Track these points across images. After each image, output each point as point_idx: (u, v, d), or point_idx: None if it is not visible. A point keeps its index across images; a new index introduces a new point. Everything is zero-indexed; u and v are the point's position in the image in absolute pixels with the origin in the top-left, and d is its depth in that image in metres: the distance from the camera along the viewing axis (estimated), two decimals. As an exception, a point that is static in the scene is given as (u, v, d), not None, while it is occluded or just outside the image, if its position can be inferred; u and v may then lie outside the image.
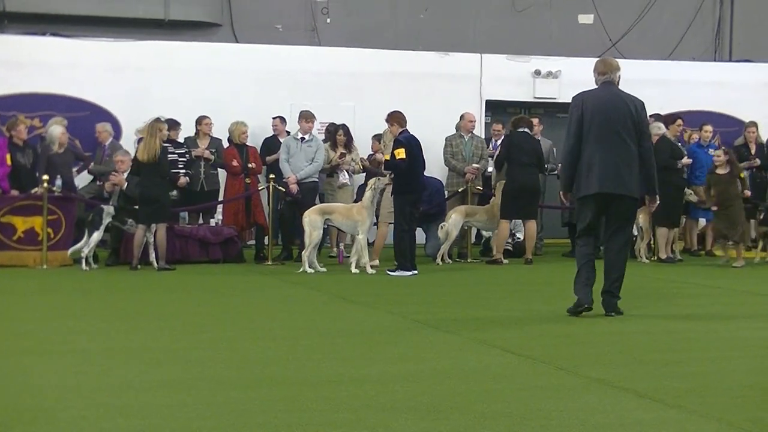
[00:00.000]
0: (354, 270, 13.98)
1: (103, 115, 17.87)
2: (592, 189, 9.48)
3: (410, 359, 7.54)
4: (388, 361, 7.42)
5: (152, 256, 14.50)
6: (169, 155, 15.62)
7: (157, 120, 15.04)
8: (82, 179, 16.44)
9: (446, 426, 5.50)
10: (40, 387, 6.46)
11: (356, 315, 10.20)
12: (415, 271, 13.82)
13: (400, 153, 13.86)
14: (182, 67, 18.61)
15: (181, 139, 16.56)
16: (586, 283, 9.46)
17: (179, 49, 18.98)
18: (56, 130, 15.72)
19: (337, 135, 16.48)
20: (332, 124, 16.94)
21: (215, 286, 12.75)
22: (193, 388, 6.38)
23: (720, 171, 15.58)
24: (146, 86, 18.25)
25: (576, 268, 9.57)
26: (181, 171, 16.03)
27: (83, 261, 14.37)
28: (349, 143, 16.46)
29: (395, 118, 14.30)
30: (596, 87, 9.77)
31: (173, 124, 16.40)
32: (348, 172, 16.28)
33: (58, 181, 15.08)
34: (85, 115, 17.78)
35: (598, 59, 10.10)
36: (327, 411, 5.81)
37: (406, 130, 14.20)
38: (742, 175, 16.03)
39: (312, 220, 14.14)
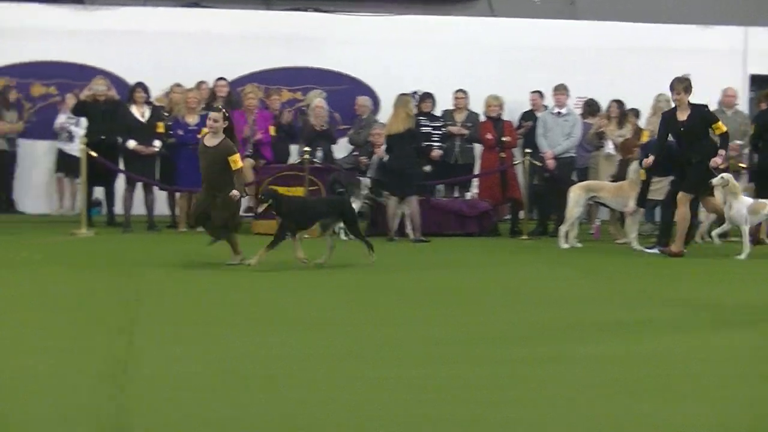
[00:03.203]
0: (637, 247, 13.57)
1: (361, 88, 18.22)
2: None
3: (645, 339, 7.36)
4: (617, 341, 7.27)
5: (408, 228, 14.70)
6: (423, 128, 15.82)
7: (406, 93, 15.26)
8: (340, 150, 16.79)
9: (681, 409, 5.37)
10: (279, 356, 6.63)
11: (597, 293, 10.05)
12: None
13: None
14: (439, 41, 18.72)
15: (437, 113, 16.71)
16: None
17: (437, 24, 19.09)
18: (315, 102, 16.16)
19: (610, 108, 16.15)
20: (591, 99, 16.70)
21: (466, 260, 12.78)
22: (427, 364, 6.45)
23: None
24: (403, 60, 18.44)
25: None
26: (436, 144, 16.20)
27: (342, 231, 14.63)
28: (622, 118, 16.11)
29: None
30: None
31: (427, 97, 16.60)
32: (615, 144, 15.94)
33: (319, 153, 15.48)
34: (344, 89, 18.16)
35: None
36: (549, 387, 5.79)
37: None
38: None
39: (576, 196, 13.96)
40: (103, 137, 15.50)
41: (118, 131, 15.68)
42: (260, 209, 11.28)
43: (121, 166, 15.79)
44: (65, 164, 17.22)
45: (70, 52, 17.77)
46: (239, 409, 5.32)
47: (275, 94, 17.04)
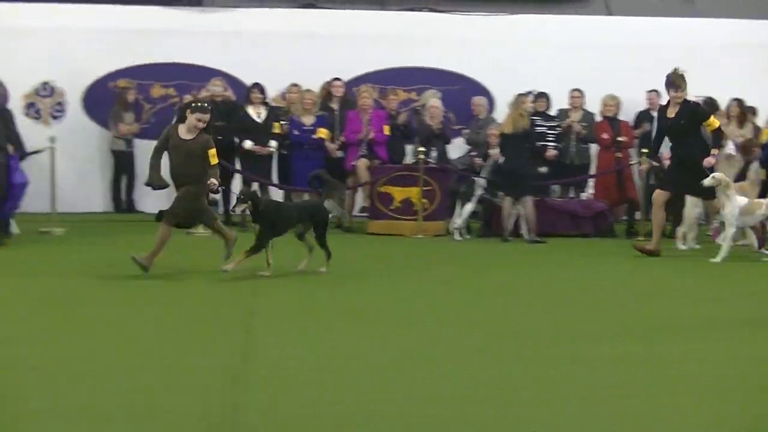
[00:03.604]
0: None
1: (475, 88, 18.13)
2: None
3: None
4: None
5: (523, 229, 14.65)
6: (538, 128, 15.73)
7: (521, 93, 15.19)
8: (455, 150, 16.78)
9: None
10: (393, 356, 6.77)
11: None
12: None
13: None
14: (555, 40, 18.54)
15: (553, 112, 16.61)
16: None
17: (552, 23, 18.93)
18: (430, 102, 16.18)
19: (730, 107, 15.85)
20: (710, 98, 16.39)
21: (581, 262, 12.70)
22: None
23: None
24: (518, 60, 18.30)
25: None
26: (551, 144, 16.10)
27: (456, 232, 14.74)
28: (742, 118, 15.81)
29: None
30: None
31: (541, 97, 16.53)
32: (736, 144, 15.64)
33: (434, 153, 15.51)
34: (458, 89, 18.10)
35: None
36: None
37: None
38: None
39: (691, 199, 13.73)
40: (219, 137, 15.70)
41: (234, 132, 15.89)
42: (238, 209, 10.74)
43: (238, 166, 16.00)
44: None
45: (188, 54, 18.04)
46: (345, 405, 5.47)
47: (392, 94, 17.09)
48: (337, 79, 16.46)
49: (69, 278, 10.39)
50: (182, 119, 10.94)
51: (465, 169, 15.93)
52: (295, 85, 16.46)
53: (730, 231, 12.45)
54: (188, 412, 5.31)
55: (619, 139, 16.06)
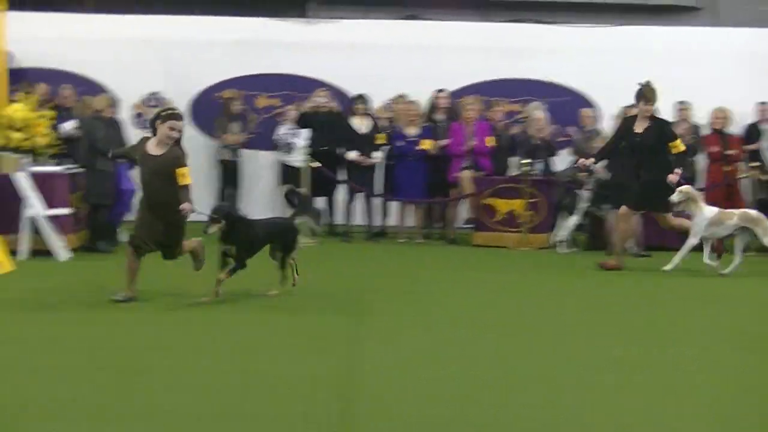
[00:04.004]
0: None
1: (581, 100, 17.98)
2: None
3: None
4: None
5: (628, 242, 14.45)
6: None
7: (627, 106, 15.04)
8: (561, 162, 16.65)
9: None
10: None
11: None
12: None
13: None
14: (662, 51, 18.29)
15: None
16: None
17: (659, 34, 18.70)
18: (535, 114, 16.07)
19: None
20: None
21: (672, 274, 12.46)
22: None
23: None
24: (625, 71, 17.94)
25: None
26: (656, 157, 15.90)
27: (561, 245, 14.62)
28: None
29: None
30: None
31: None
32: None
33: (538, 165, 15.41)
34: (563, 101, 17.97)
35: None
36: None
37: None
38: None
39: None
40: (324, 148, 15.82)
41: (338, 142, 15.98)
42: (210, 230, 9.61)
43: (342, 176, 16.08)
44: (288, 175, 17.30)
45: (294, 65, 18.20)
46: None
47: (497, 105, 17.02)
48: (441, 90, 16.44)
49: (169, 283, 10.43)
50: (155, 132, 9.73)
51: (570, 182, 15.78)
52: (402, 95, 16.49)
53: (690, 242, 12.46)
54: (296, 417, 5.32)
55: (728, 152, 15.78)
